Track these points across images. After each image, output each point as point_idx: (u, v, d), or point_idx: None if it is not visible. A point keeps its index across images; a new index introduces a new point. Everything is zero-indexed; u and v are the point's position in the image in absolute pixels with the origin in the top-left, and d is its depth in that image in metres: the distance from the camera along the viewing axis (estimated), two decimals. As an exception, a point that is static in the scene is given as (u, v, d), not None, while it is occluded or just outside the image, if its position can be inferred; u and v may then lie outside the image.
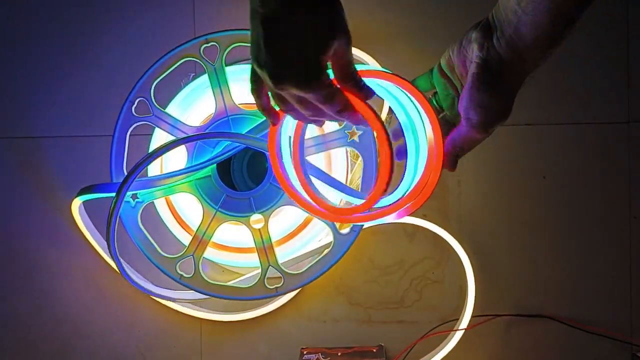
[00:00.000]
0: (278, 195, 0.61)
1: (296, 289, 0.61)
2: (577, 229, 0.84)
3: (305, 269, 0.61)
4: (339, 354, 0.84)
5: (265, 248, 0.62)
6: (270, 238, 0.62)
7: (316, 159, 0.64)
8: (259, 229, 0.62)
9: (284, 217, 0.66)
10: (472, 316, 0.82)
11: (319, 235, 0.69)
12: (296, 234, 0.66)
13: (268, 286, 0.62)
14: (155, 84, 0.65)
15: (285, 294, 0.61)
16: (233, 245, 0.67)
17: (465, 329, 0.81)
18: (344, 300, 0.88)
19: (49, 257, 0.95)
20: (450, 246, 0.85)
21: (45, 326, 0.95)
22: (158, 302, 0.92)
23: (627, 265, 0.83)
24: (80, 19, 0.93)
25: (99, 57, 0.92)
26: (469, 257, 0.83)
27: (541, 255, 0.84)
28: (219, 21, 0.91)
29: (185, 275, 0.64)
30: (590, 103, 0.82)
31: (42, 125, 0.94)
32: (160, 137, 0.68)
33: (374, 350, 0.85)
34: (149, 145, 0.70)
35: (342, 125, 0.58)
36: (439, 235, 0.83)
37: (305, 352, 0.86)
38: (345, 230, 0.59)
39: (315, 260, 0.60)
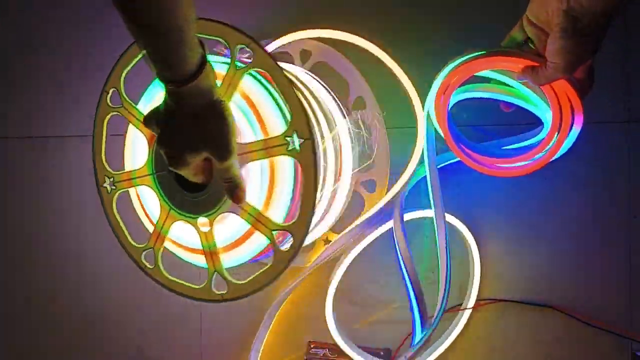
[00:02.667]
0: (221, 201, 0.58)
1: (239, 298, 0.59)
2: (577, 228, 0.84)
3: (248, 280, 0.58)
4: None
5: (211, 252, 0.60)
6: (215, 243, 0.60)
7: (259, 167, 0.61)
8: (205, 233, 0.60)
9: (229, 225, 0.63)
10: (481, 299, 0.84)
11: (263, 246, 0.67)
12: (240, 243, 0.63)
13: (215, 291, 0.60)
14: (124, 74, 0.64)
15: (228, 301, 0.59)
16: (188, 244, 0.65)
17: (472, 307, 0.83)
18: (344, 300, 0.88)
19: (49, 258, 0.95)
20: (455, 245, 0.85)
21: (45, 326, 0.95)
22: (158, 301, 0.92)
23: (628, 265, 0.83)
24: (79, 20, 0.93)
25: (99, 58, 0.93)
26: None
27: (541, 255, 0.84)
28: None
29: (148, 266, 0.64)
30: (589, 102, 0.82)
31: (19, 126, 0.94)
32: (134, 130, 0.67)
33: (381, 353, 0.85)
34: (125, 139, 0.69)
35: (283, 131, 0.56)
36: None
37: (312, 346, 0.86)
38: (285, 247, 0.57)
39: (259, 273, 0.58)
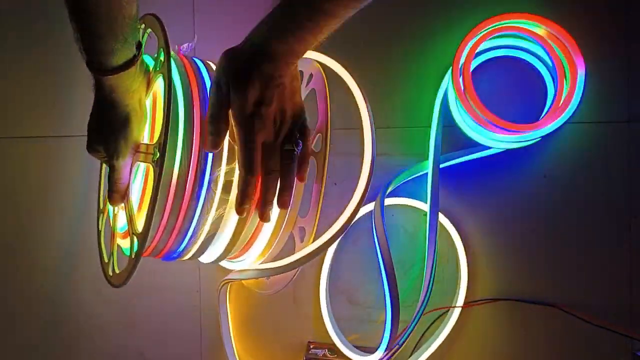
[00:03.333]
0: None
1: (113, 286, 0.60)
2: (577, 227, 0.84)
3: (118, 273, 0.60)
4: None
5: (113, 234, 0.62)
6: (115, 226, 0.62)
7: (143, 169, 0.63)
8: (115, 214, 0.62)
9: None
10: (472, 301, 0.84)
11: None
12: (126, 237, 0.64)
13: (110, 272, 0.61)
14: None
15: (111, 285, 0.60)
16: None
17: (462, 306, 0.83)
18: (344, 300, 0.88)
19: (49, 258, 0.95)
20: (450, 245, 0.85)
21: (45, 326, 0.95)
22: (158, 301, 0.92)
23: (628, 265, 0.83)
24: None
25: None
26: (470, 251, 0.83)
27: (541, 254, 0.84)
28: (219, 20, 0.91)
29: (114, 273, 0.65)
30: (590, 102, 0.82)
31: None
32: None
33: None
34: None
35: (154, 142, 0.55)
36: (439, 234, 0.83)
37: (312, 347, 0.86)
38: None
39: (115, 273, 0.60)
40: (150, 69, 0.57)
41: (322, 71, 0.72)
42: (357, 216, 0.85)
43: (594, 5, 0.83)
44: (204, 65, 0.63)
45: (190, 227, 0.58)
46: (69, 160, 0.94)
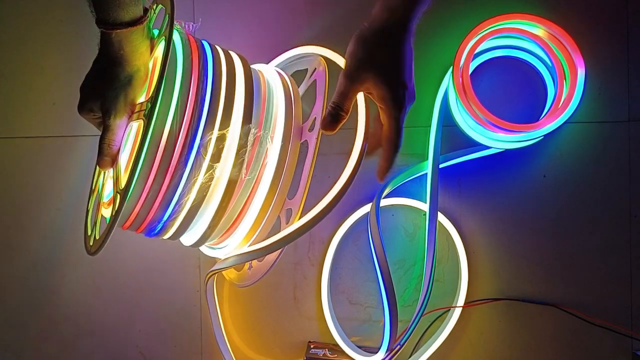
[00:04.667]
0: None
1: (92, 254, 0.58)
2: (577, 227, 0.84)
3: (98, 239, 0.59)
4: None
5: (99, 203, 0.61)
6: (102, 195, 0.61)
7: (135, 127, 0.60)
8: (103, 183, 0.61)
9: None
10: (472, 301, 0.84)
11: None
12: (110, 204, 0.62)
13: (90, 244, 0.60)
14: None
15: (90, 255, 0.59)
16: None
17: (462, 306, 0.83)
18: (344, 300, 0.88)
19: (48, 257, 0.95)
20: (450, 245, 0.85)
21: (45, 326, 0.94)
22: (158, 302, 0.92)
23: (628, 264, 0.83)
24: (77, 20, 0.93)
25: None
26: (470, 251, 0.83)
27: (542, 254, 0.84)
28: (219, 18, 0.91)
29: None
30: (590, 101, 0.82)
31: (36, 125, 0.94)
32: None
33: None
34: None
35: (146, 100, 0.56)
36: (438, 235, 0.84)
37: (312, 346, 0.86)
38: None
39: (98, 236, 0.59)
40: (155, 36, 0.59)
41: (325, 64, 0.72)
42: (358, 216, 0.86)
43: (593, 6, 0.83)
44: (209, 45, 0.63)
45: (175, 193, 0.56)
46: (69, 160, 0.94)
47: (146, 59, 0.57)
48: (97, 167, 0.60)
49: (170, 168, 0.55)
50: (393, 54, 0.54)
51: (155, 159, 0.54)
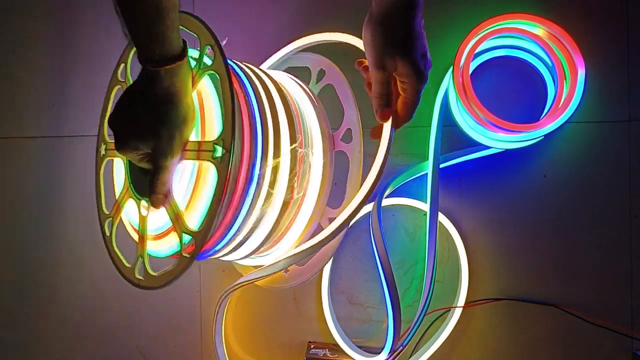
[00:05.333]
0: None
1: (149, 289, 0.59)
2: (577, 227, 0.84)
3: (159, 273, 0.58)
4: None
5: (141, 237, 0.60)
6: (145, 229, 0.60)
7: (191, 166, 0.61)
8: (143, 216, 0.60)
9: (162, 215, 0.62)
10: (473, 301, 0.84)
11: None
12: (163, 236, 0.62)
13: (137, 275, 0.61)
14: (133, 52, 0.65)
15: (142, 288, 0.59)
16: (135, 225, 0.65)
17: (463, 306, 0.83)
18: (345, 300, 0.88)
19: (49, 256, 0.95)
20: (450, 245, 0.85)
21: (45, 326, 0.94)
22: (158, 302, 0.92)
23: (629, 264, 0.83)
24: (77, 20, 0.93)
25: (98, 57, 0.92)
26: (470, 251, 0.83)
27: (542, 254, 0.84)
28: (219, 18, 0.91)
29: (107, 233, 0.65)
30: (590, 101, 0.82)
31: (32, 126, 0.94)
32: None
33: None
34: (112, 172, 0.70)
35: (214, 139, 0.56)
36: (439, 235, 0.84)
37: (312, 347, 0.86)
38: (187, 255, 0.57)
39: (164, 271, 0.58)
40: (192, 67, 0.57)
41: (335, 65, 0.73)
42: (357, 216, 0.86)
43: (594, 6, 0.83)
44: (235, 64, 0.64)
45: (235, 222, 0.58)
46: (69, 160, 0.94)
47: (191, 93, 0.56)
48: (119, 194, 0.61)
49: (233, 202, 0.57)
50: (411, 31, 0.56)
51: (223, 197, 0.54)
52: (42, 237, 0.95)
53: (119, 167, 0.67)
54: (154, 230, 0.61)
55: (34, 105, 0.95)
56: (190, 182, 0.58)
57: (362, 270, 0.88)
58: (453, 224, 0.84)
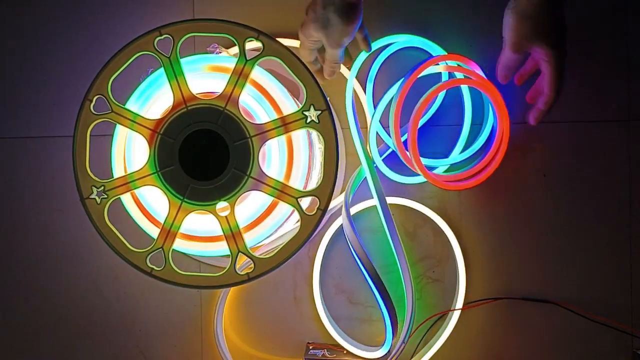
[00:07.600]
0: (242, 182, 0.61)
1: (267, 273, 0.60)
2: (577, 227, 0.84)
3: (274, 253, 0.60)
4: (345, 351, 0.84)
5: (233, 235, 0.61)
6: (237, 225, 0.61)
7: (277, 143, 0.66)
8: (226, 217, 0.61)
9: (250, 203, 0.66)
10: (472, 301, 0.84)
11: (286, 218, 0.69)
12: (263, 218, 0.66)
13: (239, 273, 0.61)
14: (112, 80, 0.63)
15: (257, 278, 0.60)
16: (202, 234, 0.66)
17: (461, 308, 0.83)
18: (345, 299, 0.88)
19: (48, 257, 0.94)
20: (449, 246, 0.85)
21: (45, 326, 0.94)
22: (158, 301, 0.92)
23: (628, 263, 0.83)
24: (78, 20, 0.93)
25: (99, 55, 0.92)
26: (471, 249, 0.83)
27: (542, 253, 0.84)
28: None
29: (156, 268, 0.64)
30: (590, 101, 0.83)
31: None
32: (122, 134, 0.68)
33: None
34: (112, 144, 0.69)
35: (301, 107, 0.60)
36: (439, 234, 0.84)
37: (311, 347, 0.86)
38: (311, 212, 0.60)
39: (283, 244, 0.60)
40: (238, 61, 0.61)
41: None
42: (358, 214, 0.86)
43: (593, 6, 0.83)
44: None
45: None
46: (69, 160, 0.94)
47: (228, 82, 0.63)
48: (170, 201, 0.62)
49: None
50: (559, 22, 0.64)
51: None
52: (41, 237, 0.95)
53: (131, 200, 0.67)
54: (243, 222, 0.64)
55: (34, 105, 0.95)
56: (282, 156, 0.66)
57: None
58: (452, 224, 0.84)
